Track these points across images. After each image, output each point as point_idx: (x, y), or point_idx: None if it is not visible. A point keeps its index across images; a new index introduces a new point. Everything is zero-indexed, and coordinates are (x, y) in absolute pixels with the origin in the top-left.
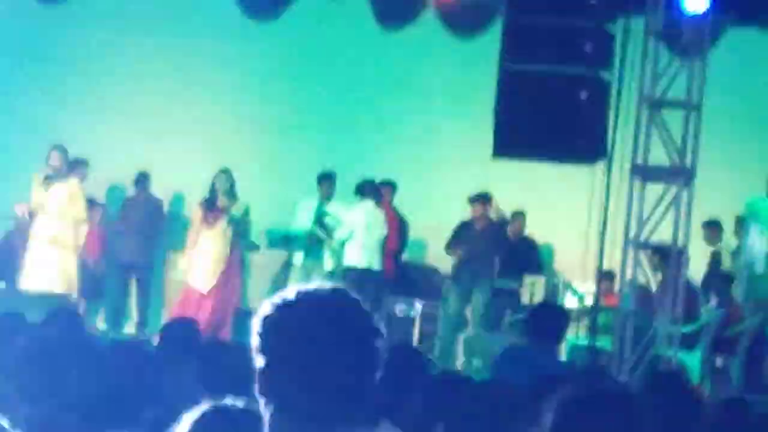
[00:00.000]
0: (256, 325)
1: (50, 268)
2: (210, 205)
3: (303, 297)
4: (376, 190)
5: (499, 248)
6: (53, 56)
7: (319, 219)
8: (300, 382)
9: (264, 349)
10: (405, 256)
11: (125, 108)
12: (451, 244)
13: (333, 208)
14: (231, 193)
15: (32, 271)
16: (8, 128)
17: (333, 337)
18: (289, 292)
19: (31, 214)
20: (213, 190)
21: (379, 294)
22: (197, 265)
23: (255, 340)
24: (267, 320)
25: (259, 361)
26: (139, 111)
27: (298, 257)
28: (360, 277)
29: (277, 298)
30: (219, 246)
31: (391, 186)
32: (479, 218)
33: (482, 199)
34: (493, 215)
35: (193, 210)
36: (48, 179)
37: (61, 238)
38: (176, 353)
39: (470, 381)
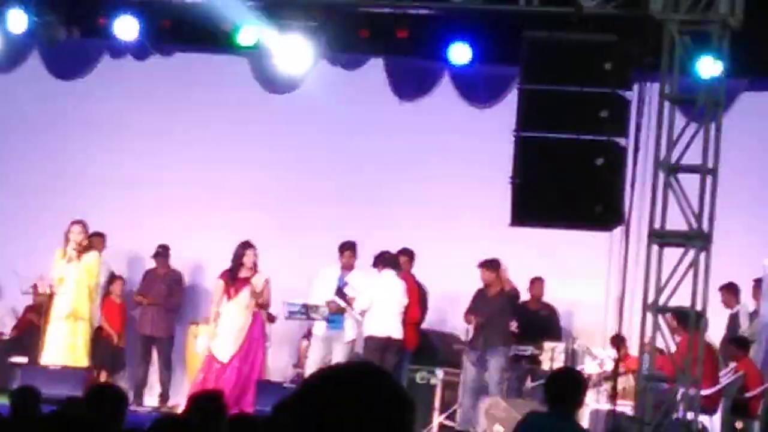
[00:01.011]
0: (289, 406)
1: (68, 343)
2: (232, 277)
3: (334, 375)
4: (396, 260)
5: (510, 314)
6: (70, 131)
7: (340, 289)
8: None
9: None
10: (425, 325)
11: (143, 181)
12: (467, 311)
13: (353, 277)
14: (253, 265)
15: (52, 346)
16: (25, 204)
17: (367, 413)
18: (319, 371)
19: (51, 289)
20: (235, 261)
21: (400, 362)
22: (220, 337)
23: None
24: (300, 401)
25: None
26: (158, 184)
27: (319, 327)
28: (381, 346)
29: (308, 379)
30: (241, 317)
31: (410, 255)
32: (490, 285)
33: (490, 264)
34: (505, 285)
35: (214, 283)
36: (69, 254)
37: (79, 312)
38: (205, 425)
39: None
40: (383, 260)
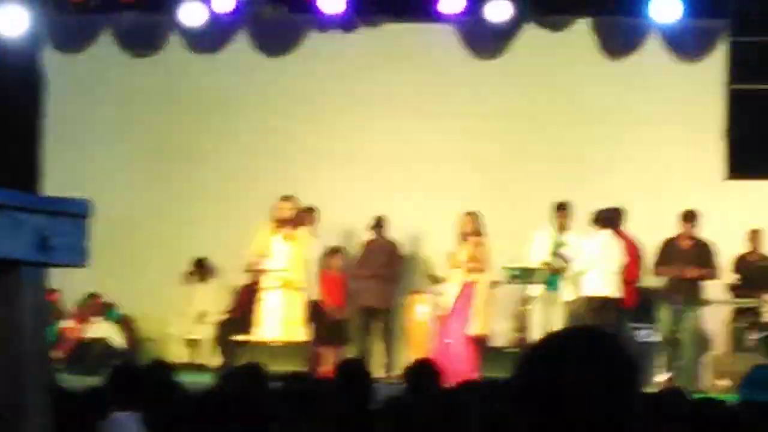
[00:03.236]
0: (519, 374)
1: (283, 315)
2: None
3: (560, 340)
4: (613, 219)
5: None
6: (279, 107)
7: (556, 250)
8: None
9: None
10: (644, 282)
11: (355, 154)
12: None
13: (570, 238)
14: (477, 232)
15: (267, 319)
16: (237, 183)
17: (596, 376)
18: (545, 337)
19: (265, 266)
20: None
21: (620, 321)
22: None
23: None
24: (530, 367)
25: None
26: (369, 156)
27: (537, 289)
28: (601, 306)
29: (536, 345)
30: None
31: (622, 213)
32: (684, 236)
33: (690, 216)
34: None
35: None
36: (278, 229)
37: (294, 283)
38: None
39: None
40: (600, 219)
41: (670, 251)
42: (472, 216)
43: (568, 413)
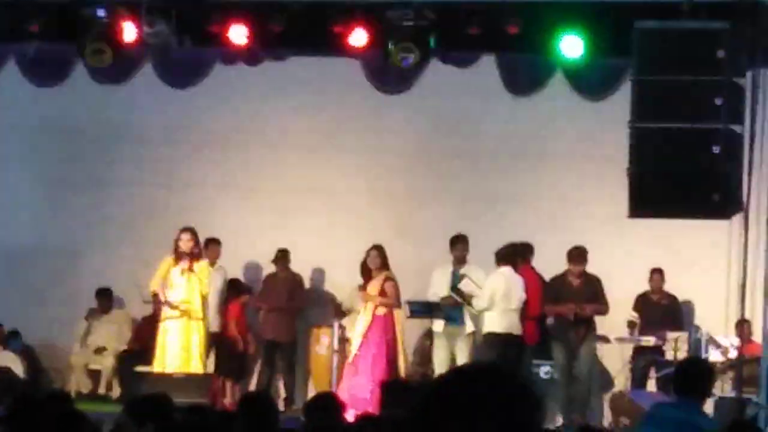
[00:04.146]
0: (418, 408)
1: (181, 344)
2: (363, 278)
3: (461, 376)
4: (514, 255)
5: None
6: (183, 139)
7: (455, 285)
8: None
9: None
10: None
11: (259, 187)
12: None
13: (472, 273)
14: (385, 266)
15: (170, 353)
16: (142, 214)
17: (496, 413)
18: (447, 373)
19: (166, 297)
20: (364, 265)
21: (521, 357)
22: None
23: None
24: (429, 403)
25: None
26: (273, 190)
27: (438, 325)
28: (501, 341)
29: (436, 380)
30: (362, 319)
31: (529, 249)
32: (572, 273)
33: (577, 254)
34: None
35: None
36: (178, 261)
37: (193, 313)
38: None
39: None
40: (500, 256)
41: (559, 289)
42: (378, 250)
43: None
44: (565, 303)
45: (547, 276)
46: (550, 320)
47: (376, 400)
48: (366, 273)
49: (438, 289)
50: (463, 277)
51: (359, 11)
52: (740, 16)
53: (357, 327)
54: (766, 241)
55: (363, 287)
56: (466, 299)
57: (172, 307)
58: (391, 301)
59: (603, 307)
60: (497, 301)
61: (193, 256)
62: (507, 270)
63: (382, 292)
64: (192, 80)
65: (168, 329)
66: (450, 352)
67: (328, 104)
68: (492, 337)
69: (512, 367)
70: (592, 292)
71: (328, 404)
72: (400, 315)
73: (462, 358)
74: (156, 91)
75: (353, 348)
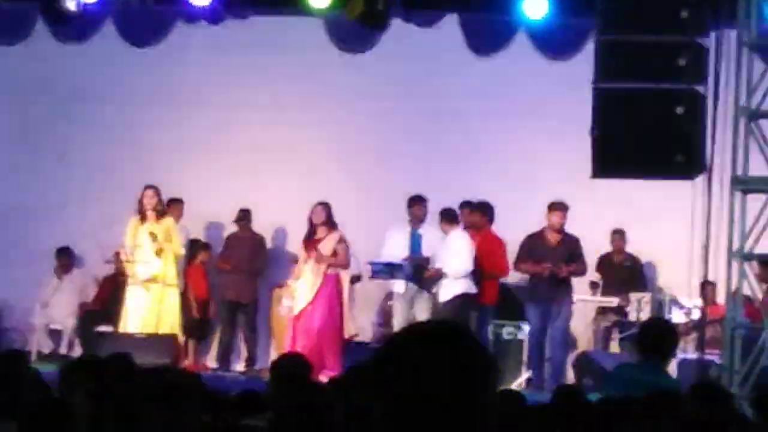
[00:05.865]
0: (372, 365)
1: (151, 310)
2: (307, 239)
3: (414, 334)
4: (456, 216)
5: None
6: (144, 98)
7: (414, 246)
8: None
9: (381, 389)
10: (511, 279)
11: (220, 146)
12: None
13: (429, 234)
14: (331, 224)
15: (136, 313)
16: (102, 173)
17: (449, 372)
18: (400, 331)
19: (131, 257)
20: (309, 222)
21: (482, 319)
22: (296, 298)
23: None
24: (383, 361)
25: (377, 404)
26: (234, 147)
27: (400, 285)
28: (460, 302)
29: (389, 339)
30: (311, 278)
31: (489, 209)
32: (551, 230)
33: (558, 207)
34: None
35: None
36: (144, 219)
37: (162, 277)
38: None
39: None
40: (445, 216)
41: (534, 247)
42: (324, 205)
43: (416, 412)
44: (543, 261)
45: (507, 235)
46: (523, 279)
47: (333, 362)
48: (311, 227)
49: (395, 249)
50: (419, 237)
51: None
52: None
53: (302, 283)
54: (729, 203)
55: (307, 241)
56: (425, 261)
57: (129, 261)
58: (342, 263)
59: (580, 267)
60: (448, 261)
61: (158, 213)
62: (456, 230)
63: (334, 254)
64: (154, 39)
65: (137, 294)
66: (411, 313)
67: (290, 64)
68: (451, 297)
69: (468, 326)
70: (570, 252)
71: (297, 363)
72: (346, 277)
73: (422, 319)
74: (117, 49)
75: (299, 303)
